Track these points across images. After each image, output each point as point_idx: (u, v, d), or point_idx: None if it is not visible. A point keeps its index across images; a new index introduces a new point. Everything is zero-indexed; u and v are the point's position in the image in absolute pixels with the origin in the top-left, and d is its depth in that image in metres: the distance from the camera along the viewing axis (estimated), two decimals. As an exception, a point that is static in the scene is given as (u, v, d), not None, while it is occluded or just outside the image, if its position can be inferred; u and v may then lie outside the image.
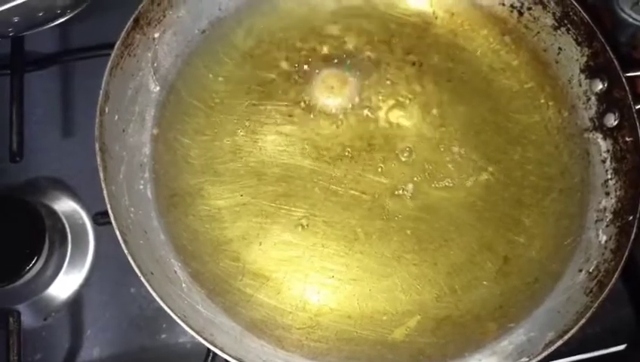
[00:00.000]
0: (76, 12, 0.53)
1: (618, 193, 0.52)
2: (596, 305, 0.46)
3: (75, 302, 0.53)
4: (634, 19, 0.58)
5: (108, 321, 0.53)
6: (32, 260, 0.50)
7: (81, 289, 0.54)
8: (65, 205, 0.55)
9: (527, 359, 0.44)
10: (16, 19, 0.49)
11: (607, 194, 0.52)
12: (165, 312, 0.52)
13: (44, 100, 0.58)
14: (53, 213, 0.54)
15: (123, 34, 0.49)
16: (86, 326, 0.53)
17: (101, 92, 0.46)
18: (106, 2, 0.56)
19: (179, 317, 0.42)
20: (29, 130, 0.56)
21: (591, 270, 0.49)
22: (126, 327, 0.53)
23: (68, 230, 0.54)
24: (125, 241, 0.43)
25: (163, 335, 0.53)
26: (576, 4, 0.53)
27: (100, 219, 0.50)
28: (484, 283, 0.51)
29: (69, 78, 0.59)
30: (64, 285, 0.53)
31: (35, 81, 0.57)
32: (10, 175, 0.55)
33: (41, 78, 0.58)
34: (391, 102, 0.54)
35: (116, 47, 0.48)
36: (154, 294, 0.42)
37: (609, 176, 0.53)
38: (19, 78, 0.55)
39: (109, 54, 0.49)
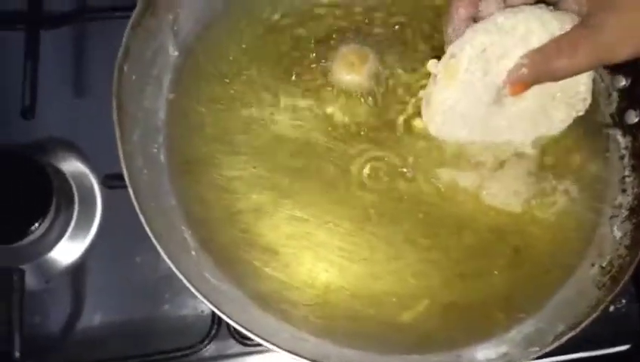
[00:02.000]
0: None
1: (635, 190, 0.51)
2: (609, 299, 0.45)
3: (79, 267, 0.53)
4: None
5: (110, 289, 0.52)
6: (37, 220, 0.49)
7: (86, 254, 0.53)
8: (73, 167, 0.54)
9: (537, 349, 0.43)
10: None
11: (624, 191, 0.52)
12: (169, 283, 0.51)
13: (58, 59, 0.57)
14: (61, 175, 0.54)
15: (146, -9, 0.48)
16: (88, 291, 0.53)
17: (121, 48, 0.45)
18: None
19: (186, 279, 0.41)
20: (42, 88, 0.55)
21: (604, 265, 0.49)
22: (128, 296, 0.53)
23: (75, 193, 0.54)
24: (137, 201, 0.42)
25: (165, 306, 0.52)
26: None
27: (110, 181, 0.49)
28: (495, 272, 0.50)
29: (85, 38, 0.58)
30: (69, 248, 0.53)
31: (51, 39, 0.57)
32: (21, 133, 0.55)
33: (56, 37, 0.57)
34: (412, 82, 0.53)
35: (139, 3, 0.47)
36: (163, 254, 0.41)
37: (627, 173, 0.52)
38: (35, 34, 0.55)
39: (128, 16, 0.47)
